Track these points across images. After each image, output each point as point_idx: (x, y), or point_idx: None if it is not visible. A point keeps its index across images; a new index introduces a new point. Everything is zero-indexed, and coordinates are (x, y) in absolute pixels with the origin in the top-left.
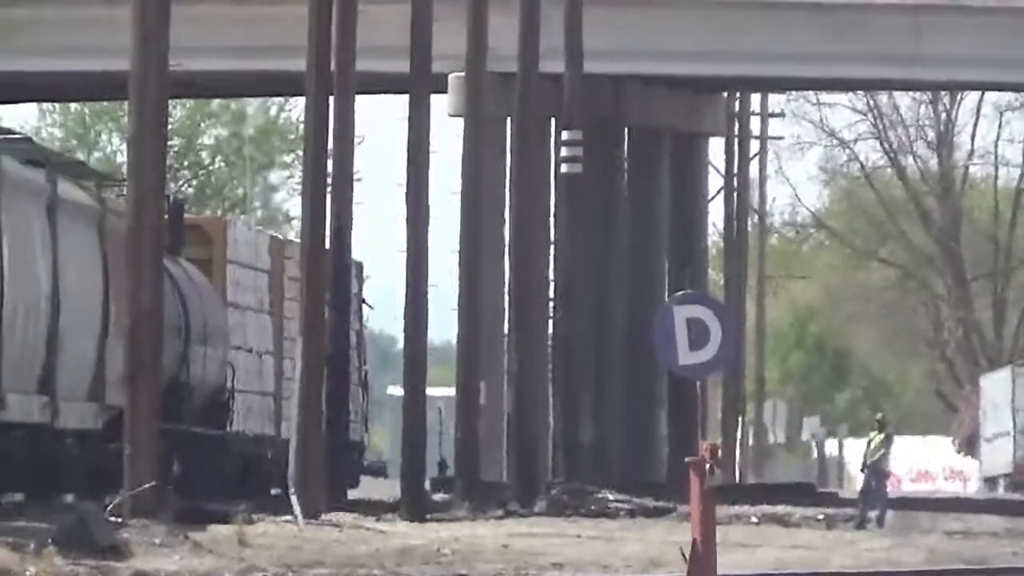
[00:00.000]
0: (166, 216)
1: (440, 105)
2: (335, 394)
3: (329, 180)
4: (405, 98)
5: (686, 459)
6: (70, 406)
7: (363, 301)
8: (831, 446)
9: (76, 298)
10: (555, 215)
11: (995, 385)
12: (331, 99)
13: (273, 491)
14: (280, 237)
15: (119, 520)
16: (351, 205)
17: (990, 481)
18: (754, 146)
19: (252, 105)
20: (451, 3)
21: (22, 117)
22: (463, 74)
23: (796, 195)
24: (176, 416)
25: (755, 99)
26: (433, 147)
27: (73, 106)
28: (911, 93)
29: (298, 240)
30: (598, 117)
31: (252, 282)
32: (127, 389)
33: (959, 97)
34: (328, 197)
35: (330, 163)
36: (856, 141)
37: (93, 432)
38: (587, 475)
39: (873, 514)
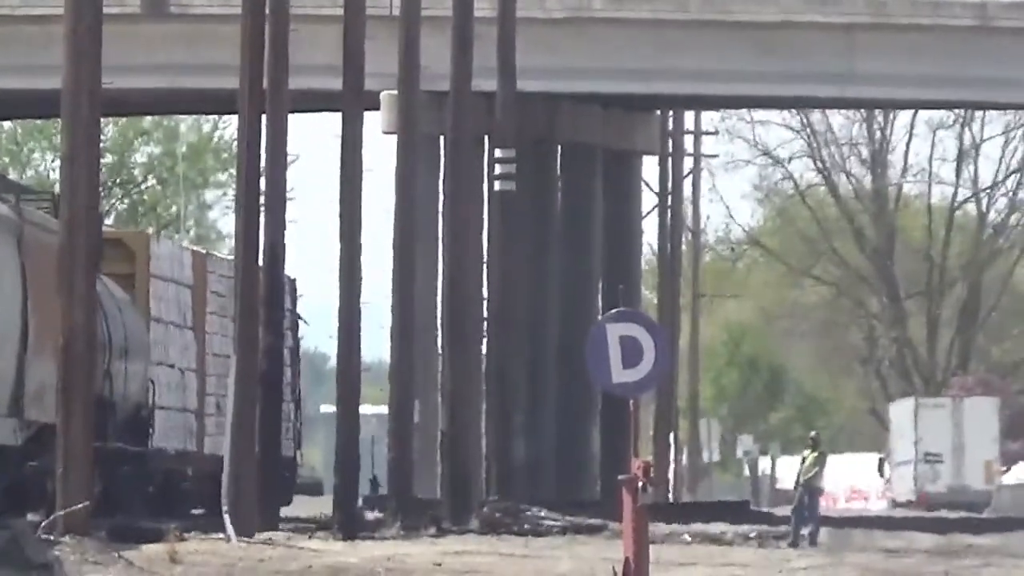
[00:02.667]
0: None
1: (373, 123)
2: (268, 412)
3: (262, 198)
4: (338, 116)
5: (619, 477)
6: None
7: (298, 317)
8: (764, 464)
9: None
10: (488, 233)
11: (901, 414)
12: (264, 117)
13: (195, 510)
14: (202, 251)
15: (51, 538)
16: (284, 223)
17: (899, 507)
18: (687, 164)
19: (185, 123)
20: (384, 21)
21: None
22: (396, 92)
23: (730, 213)
24: (99, 433)
25: (688, 117)
26: (366, 165)
27: (5, 124)
28: (844, 111)
29: (222, 255)
30: (531, 135)
31: (175, 297)
32: (60, 407)
33: (892, 115)
34: (261, 215)
35: (263, 181)
36: (790, 159)
37: (12, 449)
38: (520, 493)
39: (806, 532)
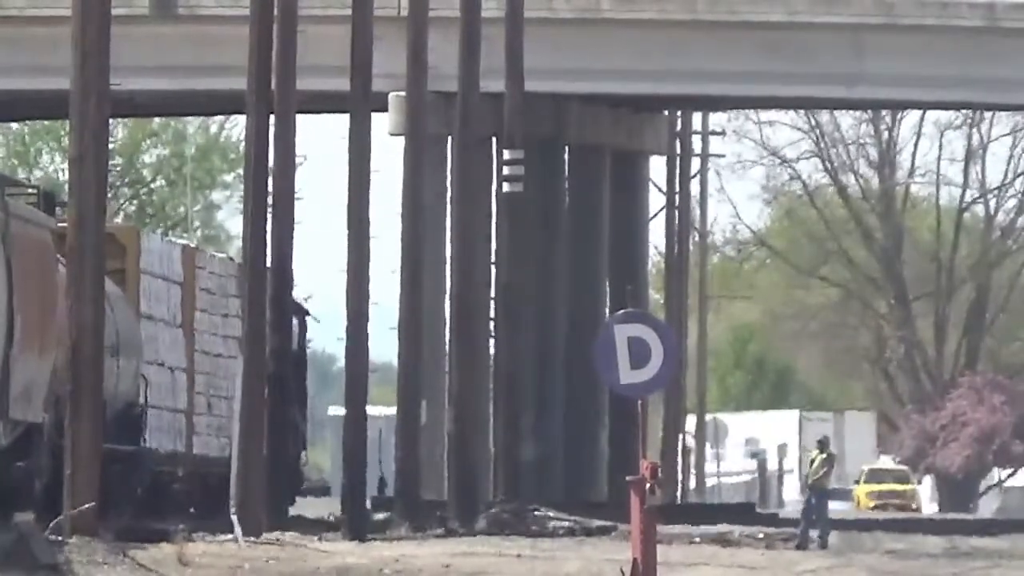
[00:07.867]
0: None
1: (381, 124)
2: (276, 413)
3: (270, 199)
4: (346, 117)
5: (627, 478)
6: None
7: (307, 313)
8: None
9: None
10: (496, 234)
11: (782, 425)
12: (272, 118)
13: (187, 512)
14: (192, 246)
15: (59, 538)
16: (292, 224)
17: None
18: (695, 164)
19: (193, 124)
20: (391, 22)
21: None
22: (403, 93)
23: (737, 214)
24: None
25: (696, 117)
26: (374, 166)
27: (13, 125)
28: (852, 112)
29: (216, 253)
30: (539, 136)
31: (165, 294)
32: (69, 407)
33: (900, 116)
34: (269, 216)
35: (271, 182)
36: (798, 160)
37: None
38: (528, 494)
39: (815, 533)
